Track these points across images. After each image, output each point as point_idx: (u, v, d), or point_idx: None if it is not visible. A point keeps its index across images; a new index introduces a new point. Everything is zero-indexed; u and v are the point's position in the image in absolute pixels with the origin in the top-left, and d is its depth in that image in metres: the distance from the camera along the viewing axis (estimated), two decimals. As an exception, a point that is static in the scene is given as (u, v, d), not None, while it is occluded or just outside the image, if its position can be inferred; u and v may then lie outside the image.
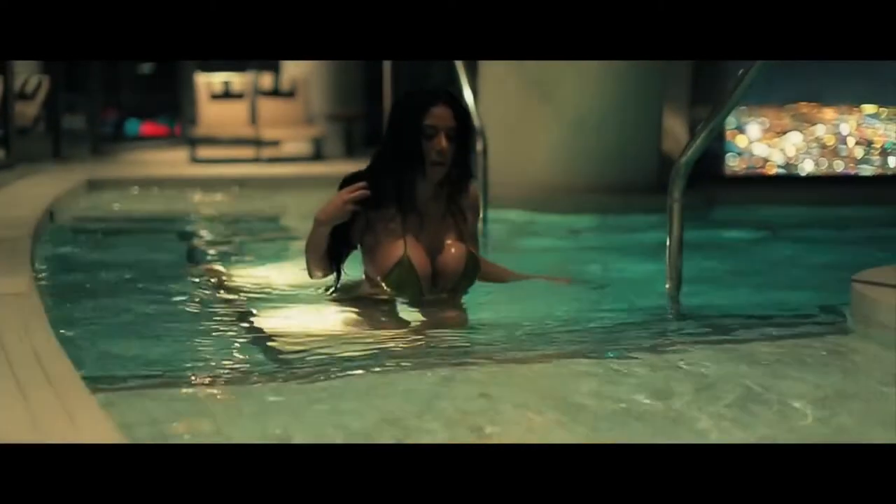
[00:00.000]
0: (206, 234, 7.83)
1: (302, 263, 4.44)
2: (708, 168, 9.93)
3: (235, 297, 4.84)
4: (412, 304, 4.15)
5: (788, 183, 10.86)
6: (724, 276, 5.68)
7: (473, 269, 4.22)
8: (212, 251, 6.84)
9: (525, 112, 8.87)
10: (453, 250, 4.17)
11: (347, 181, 4.14)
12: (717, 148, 10.53)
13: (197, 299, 4.76)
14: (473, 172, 4.31)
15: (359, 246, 4.28)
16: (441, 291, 4.19)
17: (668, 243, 4.83)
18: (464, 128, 4.07)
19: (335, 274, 4.26)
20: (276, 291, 4.92)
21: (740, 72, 4.65)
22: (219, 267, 5.92)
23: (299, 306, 4.48)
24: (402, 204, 4.11)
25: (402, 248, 4.08)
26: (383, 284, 4.13)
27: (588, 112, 8.88)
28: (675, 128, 10.13)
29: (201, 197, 10.05)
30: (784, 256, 6.60)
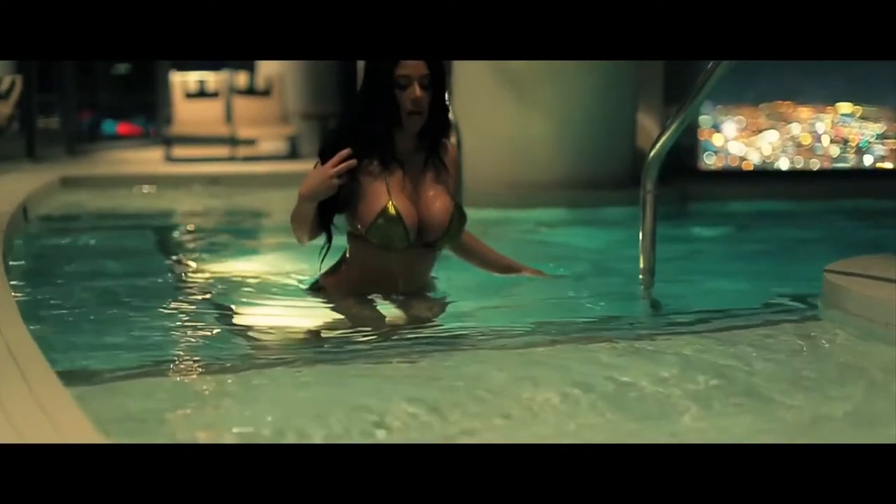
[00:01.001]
0: (180, 230, 7.83)
1: (277, 258, 4.45)
2: (682, 163, 9.97)
3: (210, 292, 4.83)
4: (399, 255, 4.10)
5: (763, 178, 10.90)
6: (698, 268, 5.70)
7: (459, 221, 4.17)
8: (186, 247, 6.83)
9: (499, 109, 8.88)
10: (438, 201, 4.12)
11: (325, 144, 4.07)
12: (690, 143, 10.56)
13: (171, 295, 4.75)
14: (453, 123, 4.24)
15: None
16: (427, 242, 4.14)
17: (640, 235, 4.85)
18: (438, 76, 4.00)
19: (325, 236, 4.15)
20: (252, 286, 4.92)
21: (710, 64, 4.68)
22: (193, 262, 5.91)
23: (275, 301, 4.48)
24: (383, 156, 4.05)
25: (386, 197, 4.01)
26: (369, 237, 4.04)
27: (562, 108, 8.89)
28: (649, 125, 10.16)
29: (176, 194, 10.03)
30: (757, 249, 6.62)
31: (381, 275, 4.15)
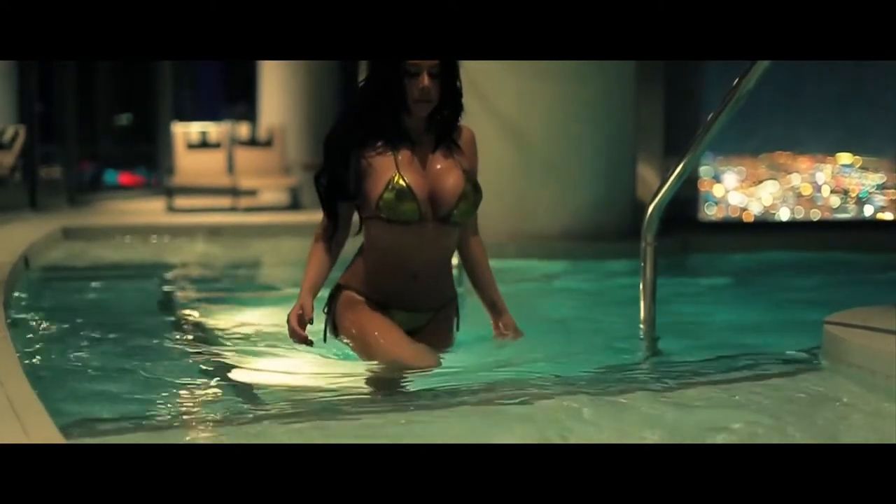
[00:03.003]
0: (180, 281, 7.82)
1: (277, 310, 4.44)
2: (683, 214, 9.99)
3: (209, 344, 4.84)
4: (412, 231, 4.02)
5: (763, 229, 10.92)
6: (698, 319, 5.69)
7: (474, 195, 4.10)
8: (186, 298, 6.83)
9: (498, 160, 8.90)
10: (450, 174, 4.06)
11: (333, 133, 4.06)
12: (691, 194, 10.59)
13: (169, 347, 4.76)
14: (464, 108, 4.11)
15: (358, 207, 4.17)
16: (440, 217, 4.05)
17: (641, 286, 4.85)
18: (449, 64, 3.95)
19: (332, 224, 4.12)
20: (250, 339, 4.92)
21: (710, 115, 4.70)
22: (192, 314, 5.91)
23: (274, 352, 4.48)
24: (390, 136, 4.01)
25: (394, 168, 3.97)
26: (379, 212, 3.98)
27: (562, 159, 8.89)
28: (649, 176, 10.18)
29: (177, 245, 10.04)
30: (758, 301, 6.62)
31: (397, 255, 4.07)
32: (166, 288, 7.29)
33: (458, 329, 4.35)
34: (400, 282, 4.11)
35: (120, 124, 21.66)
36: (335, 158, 4.04)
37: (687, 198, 10.32)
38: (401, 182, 3.95)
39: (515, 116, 8.81)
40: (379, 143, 4.01)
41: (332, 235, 4.11)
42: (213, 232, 10.62)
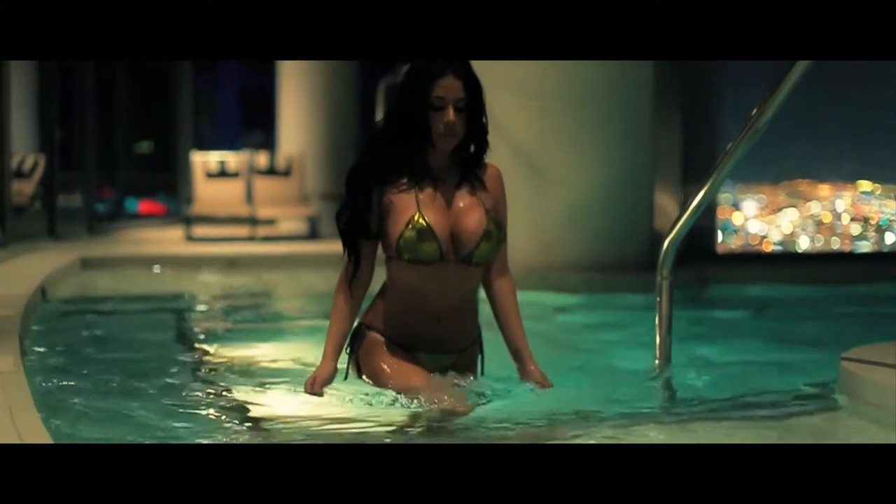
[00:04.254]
0: (198, 313, 7.83)
1: (293, 343, 4.42)
2: (700, 246, 9.95)
3: (225, 378, 4.82)
4: (433, 271, 3.94)
5: (780, 260, 10.88)
6: (714, 354, 5.66)
7: (497, 234, 4.00)
8: (202, 331, 6.82)
9: (515, 191, 8.87)
10: (472, 212, 3.96)
11: (355, 168, 3.99)
12: (708, 225, 10.55)
13: (186, 381, 4.74)
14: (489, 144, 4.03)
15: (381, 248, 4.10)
16: (462, 257, 3.96)
17: (657, 321, 4.84)
18: (475, 99, 3.88)
19: (353, 263, 4.02)
20: (266, 372, 4.91)
21: (728, 146, 4.70)
22: (208, 347, 5.91)
23: (291, 389, 4.46)
24: (413, 172, 3.94)
25: (415, 207, 3.90)
26: (400, 252, 3.91)
27: (579, 190, 8.88)
28: (666, 206, 10.16)
29: (194, 276, 10.05)
30: (774, 335, 6.59)
31: (419, 297, 3.99)
32: (182, 321, 7.29)
33: (482, 372, 4.25)
34: (423, 324, 4.04)
35: (141, 152, 21.78)
36: (357, 195, 3.97)
37: (704, 229, 10.28)
38: (421, 221, 3.89)
39: (531, 148, 8.81)
40: (401, 180, 3.95)
41: (354, 276, 4.02)
42: (231, 263, 10.61)
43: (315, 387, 3.96)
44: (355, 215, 3.97)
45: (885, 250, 11.28)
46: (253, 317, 7.62)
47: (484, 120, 3.95)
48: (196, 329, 6.92)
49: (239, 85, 29.55)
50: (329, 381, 3.97)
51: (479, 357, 4.27)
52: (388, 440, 3.54)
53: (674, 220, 4.95)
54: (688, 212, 4.86)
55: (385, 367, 4.05)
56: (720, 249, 10.77)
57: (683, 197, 10.21)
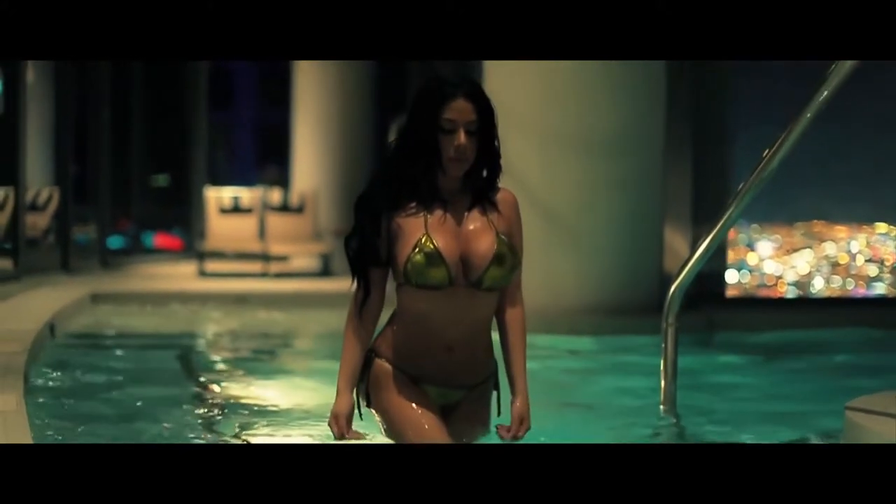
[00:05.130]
0: (206, 352, 7.83)
1: (301, 384, 4.37)
2: (709, 289, 9.91)
3: (233, 419, 4.81)
4: (443, 297, 3.80)
5: (789, 306, 10.85)
6: (719, 401, 5.65)
7: (508, 257, 3.82)
8: (210, 369, 6.83)
9: (525, 234, 8.89)
10: (483, 236, 3.81)
11: (365, 193, 3.89)
12: (718, 269, 10.52)
13: (192, 422, 4.73)
14: (502, 168, 3.90)
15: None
16: (472, 282, 3.81)
17: (662, 367, 4.83)
18: (486, 122, 3.79)
19: (362, 291, 3.90)
20: (280, 413, 4.91)
21: (740, 186, 4.70)
22: (217, 388, 5.91)
23: (300, 428, 4.46)
24: (422, 196, 3.83)
25: (423, 230, 3.78)
26: (408, 277, 3.79)
27: (587, 234, 8.89)
28: (677, 245, 10.14)
29: (205, 313, 10.06)
30: (781, 382, 6.58)
31: (429, 324, 3.86)
32: (191, 360, 7.28)
33: (500, 412, 4.07)
34: (433, 354, 3.90)
35: (157, 185, 21.85)
36: (366, 220, 3.86)
37: (713, 272, 10.24)
38: (429, 244, 3.77)
39: (542, 190, 8.82)
40: (410, 204, 3.84)
41: (364, 305, 3.90)
42: (242, 300, 10.62)
43: (339, 423, 3.81)
44: (364, 241, 3.86)
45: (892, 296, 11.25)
46: (262, 356, 7.62)
47: (496, 143, 3.85)
48: (204, 369, 6.91)
49: (255, 120, 29.69)
50: (350, 413, 3.85)
51: (495, 395, 4.10)
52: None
53: (681, 265, 4.94)
54: (694, 258, 4.86)
55: (395, 409, 3.92)
56: (729, 293, 10.74)
57: (693, 238, 10.20)
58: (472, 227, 3.84)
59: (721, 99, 10.74)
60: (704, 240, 4.86)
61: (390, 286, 3.95)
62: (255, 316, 9.89)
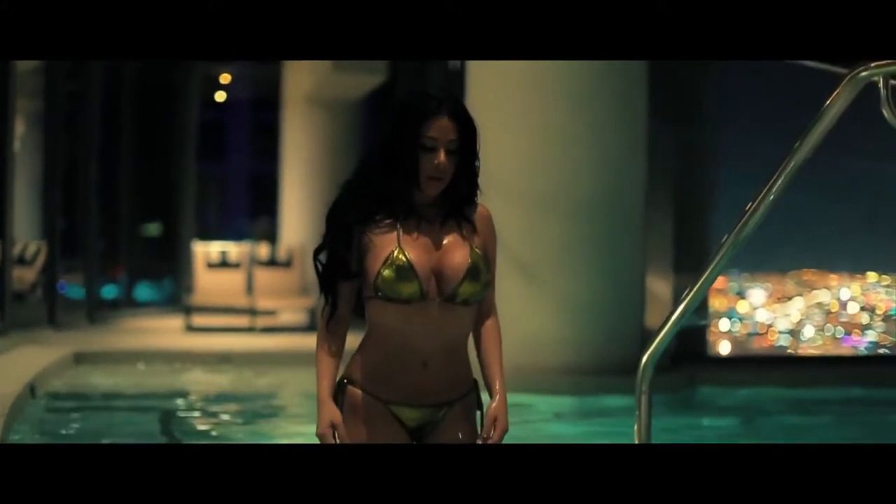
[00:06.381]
0: (188, 415, 7.80)
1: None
2: (690, 348, 9.94)
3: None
4: (416, 311, 3.69)
5: (772, 364, 10.86)
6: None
7: (482, 271, 3.72)
8: (192, 434, 6.82)
9: (505, 291, 8.90)
10: (457, 249, 3.71)
11: (336, 204, 3.75)
12: (699, 327, 10.56)
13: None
14: (480, 187, 3.80)
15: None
16: (446, 296, 3.70)
17: (636, 433, 4.83)
18: (467, 143, 3.70)
19: (330, 306, 3.77)
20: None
21: (724, 238, 4.71)
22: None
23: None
24: (396, 210, 3.73)
25: (395, 243, 3.68)
26: (378, 290, 3.68)
27: (567, 293, 8.91)
28: (659, 303, 10.17)
29: (188, 373, 10.01)
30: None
31: (402, 340, 3.73)
32: (171, 421, 7.27)
33: (482, 421, 3.86)
34: (408, 370, 3.76)
35: (148, 234, 21.84)
36: (336, 233, 3.73)
37: (695, 330, 10.27)
38: (401, 257, 3.67)
39: (522, 249, 8.86)
40: (383, 217, 3.73)
41: (332, 319, 3.76)
42: (228, 359, 10.56)
43: (328, 435, 3.66)
44: (334, 255, 3.75)
45: (876, 353, 11.29)
46: (245, 420, 7.60)
47: (476, 164, 3.76)
48: (184, 432, 6.89)
49: (246, 171, 29.75)
50: (337, 420, 3.70)
51: (478, 412, 3.91)
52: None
53: (654, 334, 4.96)
54: (668, 325, 4.83)
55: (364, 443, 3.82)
56: (720, 340, 10.76)
57: (676, 294, 10.23)
58: (445, 240, 3.76)
59: (703, 157, 10.83)
60: (680, 304, 4.86)
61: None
62: (240, 376, 9.87)
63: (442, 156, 3.64)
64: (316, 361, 3.79)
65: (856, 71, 3.88)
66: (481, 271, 3.74)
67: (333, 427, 3.66)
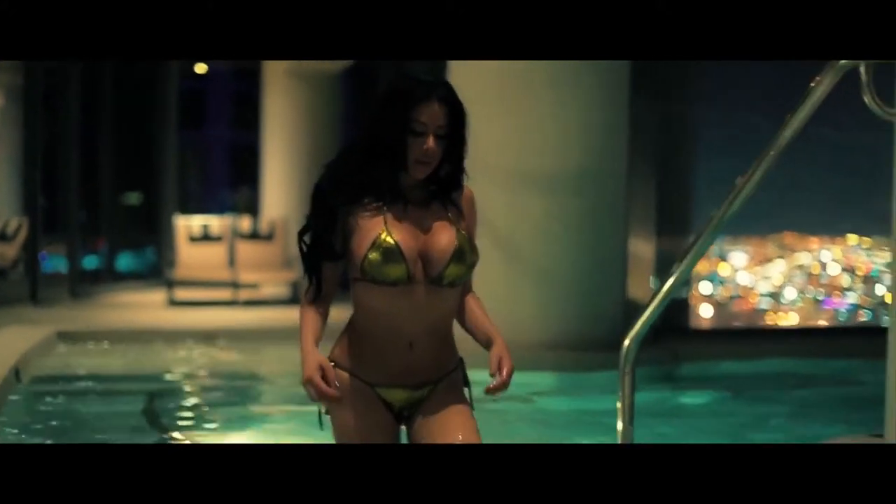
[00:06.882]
0: (174, 393, 7.82)
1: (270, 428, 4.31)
2: (673, 321, 9.99)
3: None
4: (402, 293, 3.69)
5: (754, 336, 10.93)
6: (680, 441, 5.71)
7: (468, 253, 3.74)
8: (177, 413, 6.84)
9: (487, 269, 8.95)
10: (443, 231, 3.72)
11: (322, 184, 3.74)
12: (682, 300, 10.61)
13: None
14: (466, 171, 3.79)
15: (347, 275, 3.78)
16: (432, 278, 3.71)
17: (619, 410, 4.87)
18: (455, 128, 3.69)
19: (315, 287, 3.74)
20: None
21: (692, 238, 4.74)
22: (182, 435, 5.94)
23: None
24: (382, 192, 3.72)
25: (382, 226, 3.68)
26: (365, 273, 3.67)
27: (550, 270, 8.94)
28: (640, 279, 10.20)
29: (174, 351, 9.96)
30: (746, 420, 6.62)
31: (388, 321, 3.74)
32: (156, 402, 7.27)
33: (471, 403, 3.88)
34: (394, 351, 3.77)
35: (129, 203, 21.77)
36: (321, 215, 3.72)
37: (678, 304, 10.32)
38: (388, 240, 3.67)
39: (504, 227, 8.88)
40: (369, 199, 3.74)
41: (316, 300, 3.73)
42: (210, 336, 10.53)
43: (315, 381, 3.56)
44: (319, 236, 3.75)
45: (858, 326, 11.36)
46: (231, 398, 7.62)
47: (464, 147, 3.74)
48: (171, 413, 6.91)
49: (227, 141, 29.68)
50: (325, 366, 3.61)
51: (464, 385, 3.90)
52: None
53: (637, 316, 4.99)
54: (651, 307, 4.88)
55: (350, 430, 3.81)
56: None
57: (657, 270, 10.27)
58: (431, 223, 3.76)
59: (684, 131, 10.85)
60: (661, 289, 4.89)
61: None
62: (225, 353, 9.87)
63: (431, 141, 3.64)
64: (301, 322, 3.72)
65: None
66: (467, 253, 3.75)
67: (322, 370, 3.59)
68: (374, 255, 3.67)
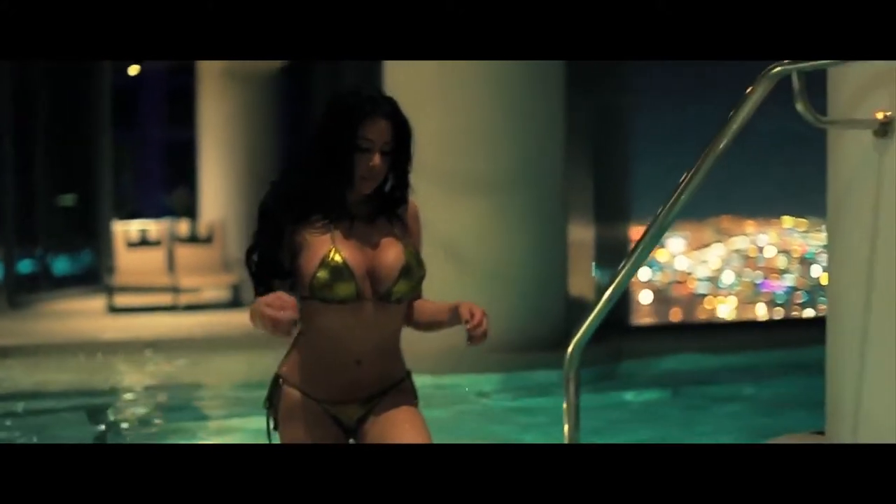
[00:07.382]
0: (114, 409, 7.74)
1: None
2: (615, 319, 9.98)
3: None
4: (351, 311, 3.67)
5: (695, 330, 10.99)
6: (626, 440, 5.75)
7: (415, 268, 3.76)
8: (122, 429, 6.79)
9: (431, 273, 8.94)
10: (390, 248, 3.73)
11: (269, 200, 3.69)
12: (624, 298, 10.66)
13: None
14: (411, 186, 3.81)
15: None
16: (380, 295, 3.71)
17: (565, 413, 4.88)
18: (401, 144, 3.70)
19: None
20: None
21: (636, 241, 4.75)
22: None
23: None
24: (328, 209, 3.71)
25: (329, 243, 3.66)
26: (313, 292, 3.65)
27: (492, 271, 8.94)
28: (581, 277, 10.22)
29: (113, 364, 9.84)
30: (690, 417, 6.66)
31: (336, 339, 3.73)
32: (98, 419, 7.21)
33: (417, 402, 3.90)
34: (342, 369, 3.77)
35: (64, 205, 21.51)
36: (268, 233, 3.69)
37: (620, 302, 10.32)
38: (336, 258, 3.66)
39: (444, 227, 8.87)
40: (316, 217, 3.71)
41: None
42: (150, 346, 10.41)
43: (267, 299, 3.44)
44: (266, 255, 3.70)
45: (798, 318, 11.46)
46: (175, 410, 7.56)
47: (409, 162, 3.77)
48: (112, 428, 6.86)
49: (162, 140, 29.42)
50: (278, 294, 3.50)
51: (411, 391, 3.94)
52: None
53: (580, 322, 5.00)
54: (593, 314, 4.87)
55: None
56: (634, 322, 10.84)
57: (597, 236, 10.29)
58: (378, 239, 3.77)
59: (621, 128, 10.89)
60: (603, 296, 4.90)
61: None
62: (167, 364, 9.76)
63: (377, 158, 3.63)
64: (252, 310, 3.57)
65: (770, 66, 3.94)
66: (414, 269, 3.76)
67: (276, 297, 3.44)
68: (322, 274, 3.65)
